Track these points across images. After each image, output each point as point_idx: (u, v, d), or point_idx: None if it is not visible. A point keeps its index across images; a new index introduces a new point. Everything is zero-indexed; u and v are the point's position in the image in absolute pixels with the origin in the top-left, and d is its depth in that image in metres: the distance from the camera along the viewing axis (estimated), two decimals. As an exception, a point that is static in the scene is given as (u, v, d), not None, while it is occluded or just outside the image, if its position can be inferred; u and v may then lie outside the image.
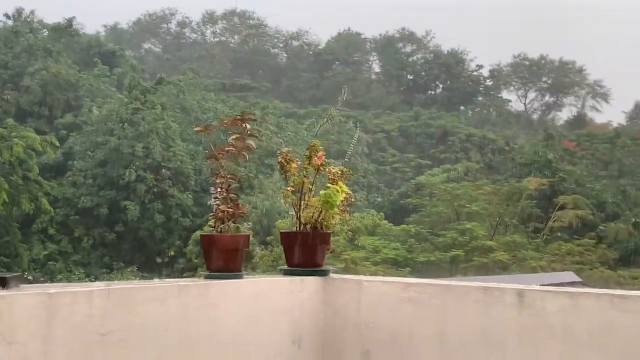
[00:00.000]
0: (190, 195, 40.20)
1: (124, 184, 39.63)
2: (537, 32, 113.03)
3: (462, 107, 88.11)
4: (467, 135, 63.18)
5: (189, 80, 52.91)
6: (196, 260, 31.88)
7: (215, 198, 3.12)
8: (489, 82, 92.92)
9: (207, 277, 3.08)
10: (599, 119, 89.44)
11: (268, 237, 29.92)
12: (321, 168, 3.39)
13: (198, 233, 25.19)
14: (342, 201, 3.38)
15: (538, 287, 3.60)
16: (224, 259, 3.05)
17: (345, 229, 28.74)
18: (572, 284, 8.83)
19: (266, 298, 3.18)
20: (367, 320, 3.37)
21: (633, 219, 31.42)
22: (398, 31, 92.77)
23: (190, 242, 34.05)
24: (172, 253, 38.12)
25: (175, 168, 40.67)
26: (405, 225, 27.48)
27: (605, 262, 26.89)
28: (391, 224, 29.41)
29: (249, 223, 3.23)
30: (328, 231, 3.42)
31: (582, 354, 3.42)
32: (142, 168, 39.79)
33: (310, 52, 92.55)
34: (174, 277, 21.99)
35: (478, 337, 3.36)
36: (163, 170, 40.22)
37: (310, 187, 3.37)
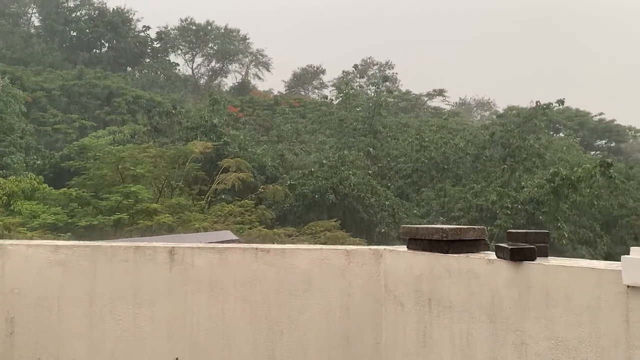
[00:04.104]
0: None
1: None
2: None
3: (129, 68, 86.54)
4: (135, 97, 62.24)
5: None
6: None
7: None
8: (156, 45, 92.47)
9: None
10: (261, 86, 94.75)
11: None
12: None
13: None
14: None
15: (188, 245, 3.78)
16: None
17: (-1, 194, 26.71)
18: (229, 241, 9.31)
19: None
20: (13, 286, 3.22)
21: (289, 181, 33.73)
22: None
23: None
24: None
25: None
26: (65, 189, 26.28)
27: (264, 222, 28.62)
28: (51, 188, 27.94)
29: None
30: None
31: (228, 303, 3.70)
32: None
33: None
34: None
35: (128, 295, 3.41)
36: None
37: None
